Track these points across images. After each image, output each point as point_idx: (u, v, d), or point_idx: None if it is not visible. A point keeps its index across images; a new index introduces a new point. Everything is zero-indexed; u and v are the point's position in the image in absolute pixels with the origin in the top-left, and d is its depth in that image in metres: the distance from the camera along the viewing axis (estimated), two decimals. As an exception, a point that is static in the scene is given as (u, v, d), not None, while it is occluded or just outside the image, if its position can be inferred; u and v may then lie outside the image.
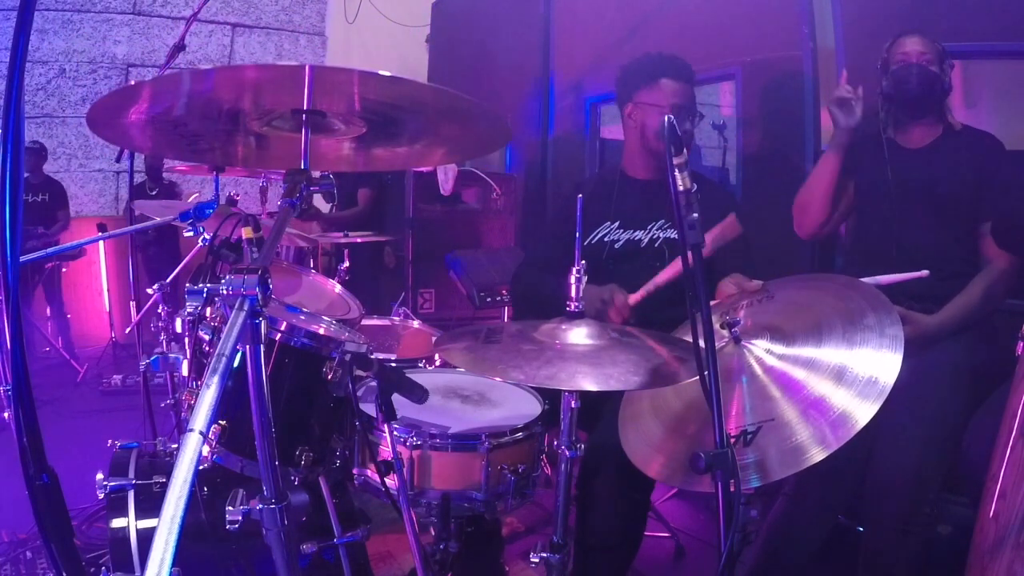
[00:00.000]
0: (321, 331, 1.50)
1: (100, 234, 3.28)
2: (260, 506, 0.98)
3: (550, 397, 1.61)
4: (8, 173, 0.87)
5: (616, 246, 2.02)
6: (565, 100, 4.29)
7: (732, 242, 1.63)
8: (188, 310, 1.24)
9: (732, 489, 1.00)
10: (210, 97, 1.14)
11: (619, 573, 1.74)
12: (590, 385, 1.18)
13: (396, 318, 2.68)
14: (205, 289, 0.84)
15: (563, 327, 1.35)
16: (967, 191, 1.86)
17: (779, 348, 1.31)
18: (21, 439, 0.93)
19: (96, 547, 1.99)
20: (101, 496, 1.46)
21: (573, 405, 1.33)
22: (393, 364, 1.91)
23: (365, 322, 2.34)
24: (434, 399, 1.56)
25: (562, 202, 2.26)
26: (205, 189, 5.56)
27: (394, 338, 2.52)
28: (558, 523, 1.39)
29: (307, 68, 1.00)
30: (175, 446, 1.64)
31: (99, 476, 1.46)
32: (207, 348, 1.46)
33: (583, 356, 1.28)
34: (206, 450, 1.30)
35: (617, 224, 2.04)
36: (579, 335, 1.33)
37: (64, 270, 5.19)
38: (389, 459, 1.41)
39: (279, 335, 1.39)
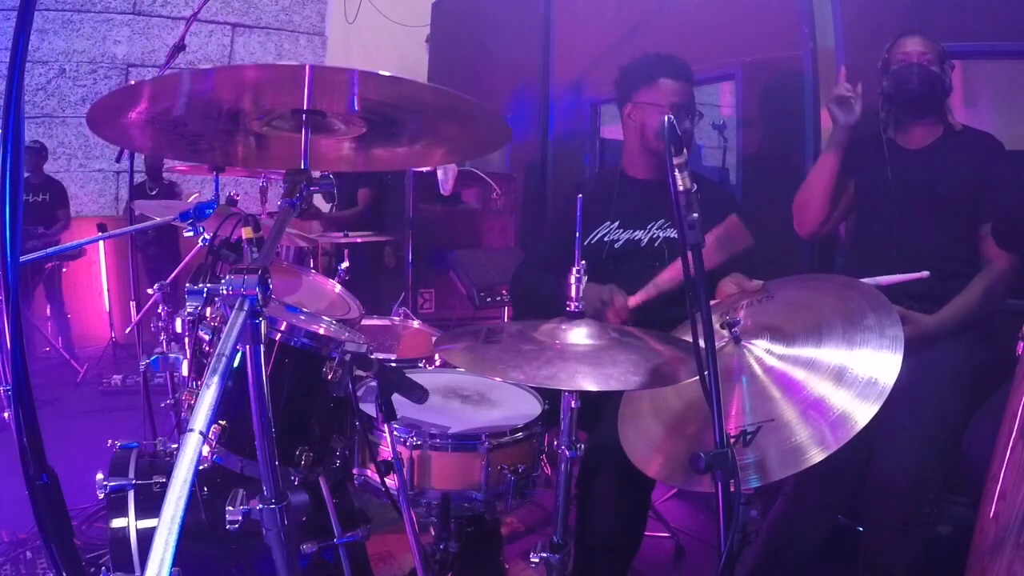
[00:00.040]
0: (321, 331, 1.50)
1: (100, 234, 3.29)
2: (260, 506, 0.98)
3: (550, 397, 1.61)
4: (8, 173, 0.87)
5: (616, 246, 2.02)
6: (565, 100, 4.28)
7: (743, 252, 1.61)
8: (188, 310, 1.24)
9: (732, 489, 1.00)
10: (210, 97, 1.14)
11: (619, 573, 1.74)
12: (590, 385, 1.18)
13: (396, 318, 2.68)
14: (205, 289, 0.84)
15: (563, 327, 1.35)
16: (967, 191, 1.86)
17: (779, 348, 1.31)
18: (21, 439, 0.93)
19: (96, 547, 1.99)
20: (101, 496, 1.46)
21: (573, 405, 1.33)
22: (393, 364, 1.91)
23: (365, 322, 2.33)
24: (434, 399, 1.56)
25: (562, 202, 2.26)
26: (205, 189, 5.56)
27: (394, 338, 2.52)
28: (558, 523, 1.39)
29: (307, 68, 1.00)
30: (175, 446, 1.63)
31: (99, 476, 1.46)
32: (207, 348, 1.46)
33: (583, 356, 1.28)
34: (206, 450, 1.30)
35: (617, 224, 2.04)
36: (579, 335, 1.33)
37: (64, 270, 5.19)
38: (389, 459, 1.41)
39: (279, 335, 1.39)
